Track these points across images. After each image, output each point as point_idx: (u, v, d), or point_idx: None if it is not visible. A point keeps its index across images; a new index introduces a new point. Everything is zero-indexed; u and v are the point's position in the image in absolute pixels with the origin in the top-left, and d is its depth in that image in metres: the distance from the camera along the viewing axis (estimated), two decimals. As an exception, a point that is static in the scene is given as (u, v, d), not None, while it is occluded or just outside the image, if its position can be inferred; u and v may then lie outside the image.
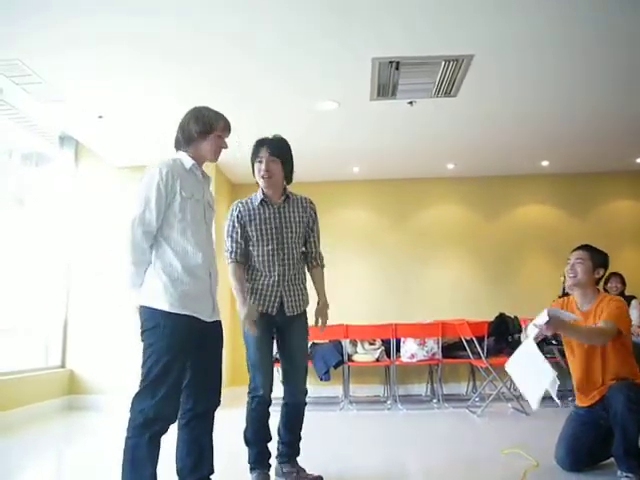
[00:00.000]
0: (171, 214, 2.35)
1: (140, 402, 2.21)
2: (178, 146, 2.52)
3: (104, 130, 5.28)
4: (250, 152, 3.01)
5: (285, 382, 3.00)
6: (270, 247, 2.93)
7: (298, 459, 3.01)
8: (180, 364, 2.27)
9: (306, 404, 3.01)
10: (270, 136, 3.01)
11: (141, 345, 2.29)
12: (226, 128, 2.57)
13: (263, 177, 2.93)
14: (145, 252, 2.31)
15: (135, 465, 2.19)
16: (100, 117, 4.94)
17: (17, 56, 3.90)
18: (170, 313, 2.25)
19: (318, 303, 3.06)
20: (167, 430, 2.27)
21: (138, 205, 2.31)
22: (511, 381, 5.58)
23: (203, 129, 2.47)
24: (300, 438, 3.02)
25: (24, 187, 5.89)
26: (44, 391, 5.43)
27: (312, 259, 3.11)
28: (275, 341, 3.03)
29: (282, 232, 2.95)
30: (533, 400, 2.86)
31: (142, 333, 2.29)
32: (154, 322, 2.26)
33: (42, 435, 4.55)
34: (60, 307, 5.96)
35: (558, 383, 2.72)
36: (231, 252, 2.96)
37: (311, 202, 3.11)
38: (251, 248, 2.96)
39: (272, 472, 2.98)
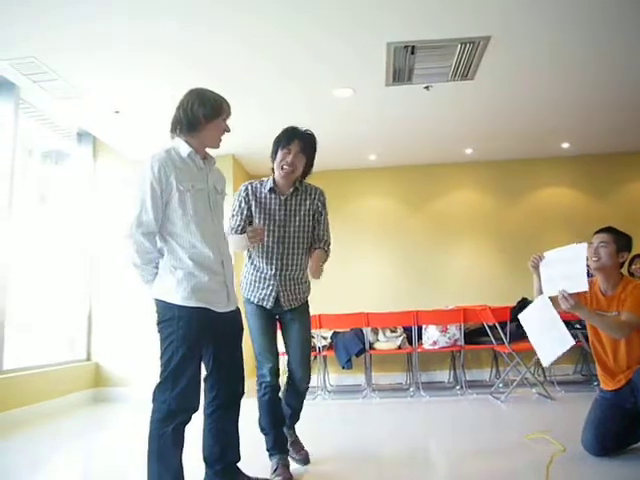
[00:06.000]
0: (171, 211, 2.29)
1: (162, 393, 2.23)
2: (177, 129, 2.37)
3: (121, 125, 5.31)
4: (276, 138, 2.91)
5: (288, 371, 2.99)
6: (271, 239, 2.86)
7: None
8: (197, 354, 2.29)
9: (307, 389, 3.03)
10: (302, 129, 2.91)
11: (159, 337, 2.31)
12: (228, 110, 2.44)
13: (283, 168, 2.85)
14: (150, 251, 2.29)
15: (161, 456, 2.21)
16: (117, 112, 4.97)
17: (33, 54, 3.93)
18: (183, 306, 2.25)
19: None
20: (190, 420, 2.28)
21: (134, 207, 2.26)
22: (535, 366, 5.55)
23: (211, 113, 2.34)
24: (301, 409, 3.08)
25: (45, 185, 5.96)
26: (70, 384, 5.52)
27: (316, 242, 2.96)
28: (280, 329, 3.04)
29: (285, 225, 2.88)
30: (546, 360, 3.09)
31: (158, 324, 2.30)
32: (169, 314, 2.26)
33: (69, 428, 4.63)
34: (84, 301, 6.05)
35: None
36: (232, 228, 2.88)
37: (321, 192, 3.00)
38: None
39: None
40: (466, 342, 5.67)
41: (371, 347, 5.76)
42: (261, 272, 2.90)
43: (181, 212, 2.29)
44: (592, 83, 4.89)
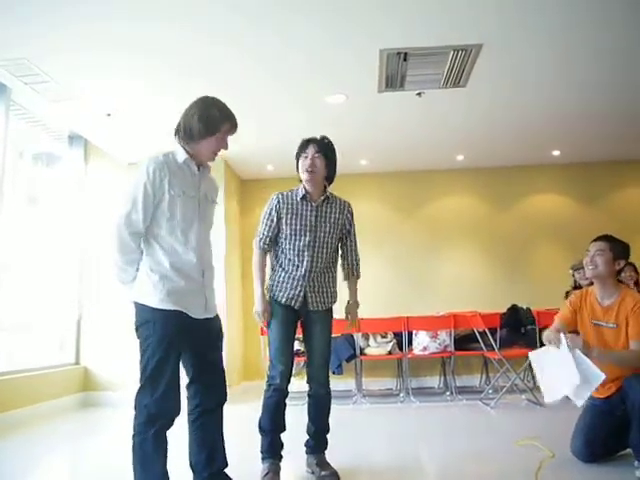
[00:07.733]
0: (159, 213, 2.29)
1: (142, 398, 2.22)
2: (177, 134, 2.40)
3: (113, 128, 5.29)
4: (296, 149, 3.04)
5: (307, 374, 3.09)
6: (302, 242, 2.96)
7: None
8: (174, 358, 2.25)
9: (330, 396, 3.07)
10: (317, 136, 3.04)
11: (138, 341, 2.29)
12: (231, 129, 2.44)
13: (307, 171, 2.95)
14: (134, 251, 2.29)
15: (144, 462, 2.20)
16: (108, 115, 4.96)
17: (25, 56, 3.92)
18: (159, 309, 2.24)
19: (348, 302, 3.16)
20: (172, 424, 2.26)
21: (125, 204, 2.26)
22: (524, 372, 5.57)
23: (205, 131, 2.33)
24: (326, 431, 3.06)
25: (36, 187, 5.92)
26: (59, 388, 5.47)
27: (349, 269, 3.16)
28: (302, 331, 3.10)
29: (316, 229, 2.99)
30: (551, 397, 2.94)
31: (136, 329, 2.29)
32: (145, 318, 2.25)
33: (57, 432, 4.58)
34: (73, 304, 6.01)
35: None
36: (261, 238, 3.02)
37: (349, 205, 3.13)
38: (283, 241, 2.99)
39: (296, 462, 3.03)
40: (456, 348, 5.67)
41: (362, 352, 5.75)
42: (290, 273, 2.98)
43: (169, 215, 2.29)
44: (583, 92, 4.93)
